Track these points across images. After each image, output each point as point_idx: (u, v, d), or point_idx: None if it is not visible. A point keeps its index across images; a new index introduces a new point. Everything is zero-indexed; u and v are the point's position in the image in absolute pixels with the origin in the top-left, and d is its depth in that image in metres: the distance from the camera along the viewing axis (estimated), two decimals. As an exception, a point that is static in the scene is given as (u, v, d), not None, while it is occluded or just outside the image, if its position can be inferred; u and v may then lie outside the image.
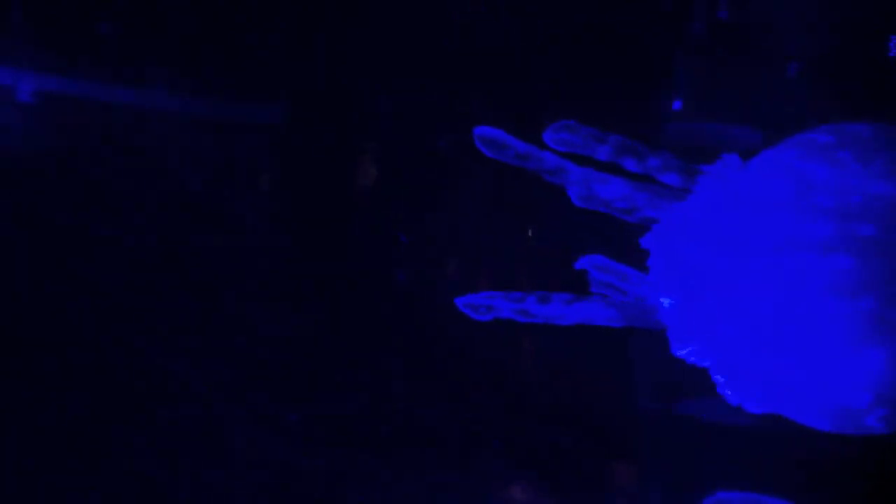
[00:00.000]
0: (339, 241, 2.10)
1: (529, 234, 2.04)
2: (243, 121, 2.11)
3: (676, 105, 2.00)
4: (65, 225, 2.06)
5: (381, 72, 2.07)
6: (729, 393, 1.23)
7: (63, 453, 2.04)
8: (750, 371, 1.17)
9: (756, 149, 1.89)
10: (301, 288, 2.10)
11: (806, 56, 1.94)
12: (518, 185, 2.06)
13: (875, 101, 1.87)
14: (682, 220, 1.25)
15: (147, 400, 2.06)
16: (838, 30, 1.91)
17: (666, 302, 1.22)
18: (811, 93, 1.93)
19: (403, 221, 2.08)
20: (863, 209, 1.10)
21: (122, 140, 2.06)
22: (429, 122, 2.08)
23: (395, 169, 2.12)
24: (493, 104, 2.04)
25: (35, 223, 2.05)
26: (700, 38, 1.99)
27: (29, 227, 2.04)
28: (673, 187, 1.31)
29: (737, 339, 1.16)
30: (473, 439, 2.05)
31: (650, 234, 1.29)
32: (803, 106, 1.94)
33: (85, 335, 2.06)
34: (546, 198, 2.05)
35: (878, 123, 1.19)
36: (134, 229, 2.06)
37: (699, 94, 2.00)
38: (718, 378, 1.24)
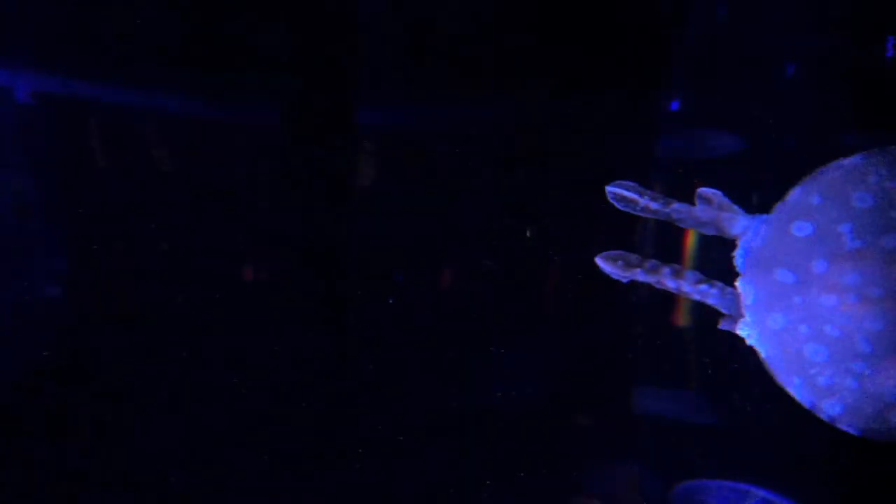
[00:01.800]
0: (339, 242, 2.11)
1: (528, 234, 2.04)
2: (243, 121, 2.11)
3: (674, 105, 2.01)
4: (63, 226, 2.06)
5: (380, 71, 2.07)
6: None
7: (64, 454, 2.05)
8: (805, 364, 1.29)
9: (743, 153, 1.91)
10: (301, 288, 2.11)
11: (806, 56, 1.94)
12: (517, 185, 2.06)
13: (874, 102, 1.87)
14: (766, 224, 1.37)
15: (144, 400, 2.06)
16: (838, 30, 1.91)
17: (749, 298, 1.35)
18: (810, 93, 1.94)
19: (403, 221, 2.08)
20: None
21: (121, 140, 2.06)
22: (428, 123, 2.08)
23: (395, 169, 2.12)
24: (492, 104, 2.04)
25: (34, 224, 2.05)
26: (699, 38, 1.99)
27: (28, 227, 2.04)
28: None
29: (797, 333, 1.29)
30: (471, 440, 2.06)
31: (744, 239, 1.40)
32: (802, 106, 1.94)
33: (82, 335, 2.06)
34: (545, 198, 2.05)
35: None
36: (133, 229, 2.06)
37: (698, 94, 2.00)
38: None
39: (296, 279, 2.11)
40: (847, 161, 1.33)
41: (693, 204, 1.44)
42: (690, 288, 1.39)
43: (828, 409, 1.28)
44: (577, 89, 1.98)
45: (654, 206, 1.39)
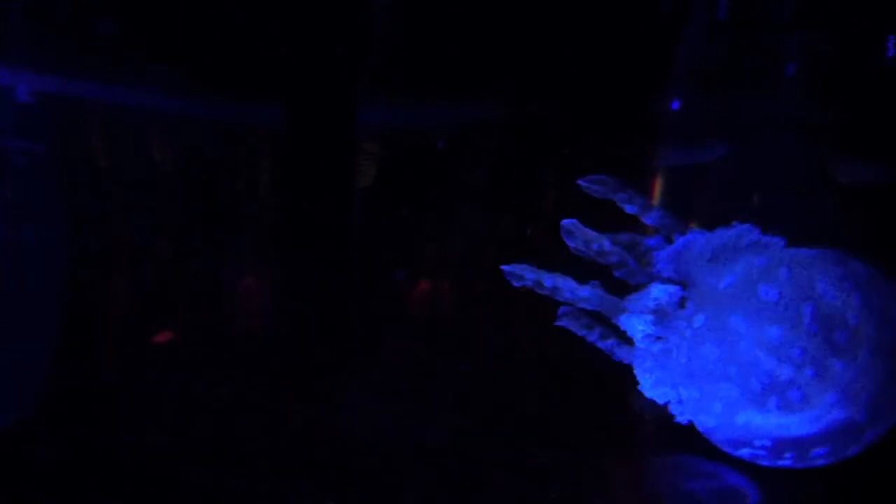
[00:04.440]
0: (339, 241, 2.11)
1: (528, 233, 2.05)
2: (243, 121, 2.11)
3: (675, 105, 2.01)
4: (63, 225, 2.06)
5: (380, 72, 2.07)
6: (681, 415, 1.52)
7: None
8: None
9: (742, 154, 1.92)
10: (301, 287, 2.11)
11: (806, 56, 1.94)
12: (516, 185, 2.06)
13: (874, 102, 1.87)
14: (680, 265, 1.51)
15: (144, 399, 2.06)
16: (838, 30, 1.91)
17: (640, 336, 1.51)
18: (810, 94, 1.94)
19: (403, 221, 2.08)
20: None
21: (121, 140, 2.07)
22: (428, 123, 2.08)
23: (395, 169, 2.13)
24: (491, 104, 2.04)
25: (34, 223, 2.05)
26: (699, 38, 2.00)
27: (27, 227, 2.05)
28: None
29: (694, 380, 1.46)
30: (467, 441, 2.06)
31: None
32: (803, 107, 1.94)
33: (80, 335, 2.06)
34: (544, 198, 2.05)
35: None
36: (133, 229, 2.06)
37: (698, 93, 2.00)
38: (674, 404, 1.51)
39: (296, 278, 2.11)
40: (805, 252, 1.46)
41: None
42: (567, 289, 1.50)
43: (702, 420, 1.46)
44: (576, 90, 1.98)
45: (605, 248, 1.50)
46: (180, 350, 2.07)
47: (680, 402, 1.47)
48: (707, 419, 1.43)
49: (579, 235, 1.48)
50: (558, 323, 1.55)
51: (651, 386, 1.49)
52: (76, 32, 2.01)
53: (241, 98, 2.08)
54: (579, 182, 1.51)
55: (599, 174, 1.51)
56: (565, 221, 1.52)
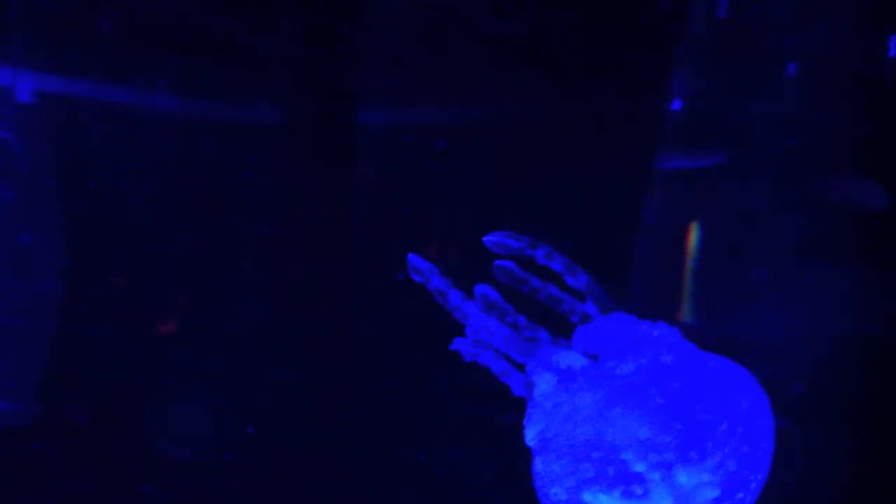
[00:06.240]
0: (339, 242, 2.11)
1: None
2: (243, 121, 2.11)
3: (676, 105, 2.01)
4: (63, 225, 2.06)
5: (381, 71, 2.07)
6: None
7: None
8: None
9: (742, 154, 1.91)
10: (300, 288, 2.11)
11: (806, 56, 1.94)
12: (517, 185, 2.06)
13: (874, 102, 1.88)
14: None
15: (141, 397, 2.06)
16: (838, 30, 1.91)
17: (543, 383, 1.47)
18: (811, 93, 1.94)
19: (403, 222, 2.08)
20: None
21: (122, 140, 2.07)
22: (428, 123, 2.08)
23: (395, 169, 2.13)
24: (490, 104, 2.05)
25: (34, 223, 2.06)
26: (699, 38, 2.00)
27: (27, 227, 2.05)
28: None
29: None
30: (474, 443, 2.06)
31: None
32: (803, 106, 1.94)
33: (80, 335, 2.06)
34: (544, 198, 2.05)
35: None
36: (133, 229, 2.06)
37: (698, 94, 2.00)
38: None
39: (296, 279, 2.11)
40: (711, 369, 1.44)
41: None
42: (473, 314, 1.47)
43: (553, 492, 1.43)
44: (577, 89, 1.98)
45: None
46: (182, 349, 2.07)
47: (541, 470, 1.46)
48: (557, 491, 1.44)
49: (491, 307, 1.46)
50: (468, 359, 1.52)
51: (532, 440, 1.48)
52: (76, 31, 2.01)
53: (241, 98, 2.08)
54: (485, 240, 1.47)
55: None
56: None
